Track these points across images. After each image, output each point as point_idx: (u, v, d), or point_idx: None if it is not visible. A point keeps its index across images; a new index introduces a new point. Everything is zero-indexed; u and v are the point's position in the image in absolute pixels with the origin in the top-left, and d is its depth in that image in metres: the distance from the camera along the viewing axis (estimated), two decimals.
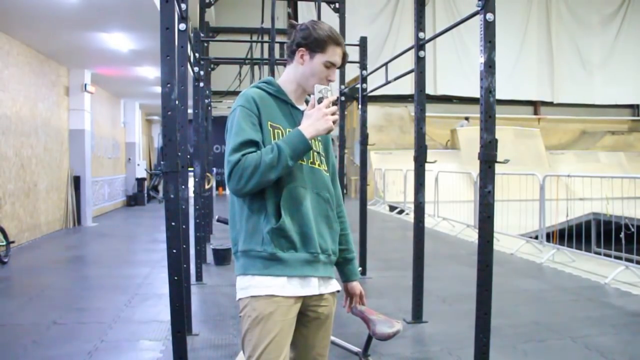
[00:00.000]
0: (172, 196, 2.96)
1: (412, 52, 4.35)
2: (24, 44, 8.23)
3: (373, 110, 16.79)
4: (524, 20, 20.74)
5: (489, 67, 2.84)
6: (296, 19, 17.59)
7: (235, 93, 15.91)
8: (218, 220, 5.00)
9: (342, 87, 7.06)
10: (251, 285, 1.72)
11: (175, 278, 2.93)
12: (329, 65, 1.81)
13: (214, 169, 14.32)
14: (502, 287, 5.01)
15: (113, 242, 8.77)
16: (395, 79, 5.09)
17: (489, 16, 2.84)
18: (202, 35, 7.04)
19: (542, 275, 6.00)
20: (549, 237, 7.36)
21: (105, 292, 5.25)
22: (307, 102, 1.90)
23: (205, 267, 6.06)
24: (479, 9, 2.88)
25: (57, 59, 9.40)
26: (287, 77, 1.87)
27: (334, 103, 1.76)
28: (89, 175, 10.67)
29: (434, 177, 10.21)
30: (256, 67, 11.29)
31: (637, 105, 22.43)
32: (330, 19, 9.61)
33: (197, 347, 3.67)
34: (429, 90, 16.51)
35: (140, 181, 15.44)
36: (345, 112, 17.13)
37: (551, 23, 21.09)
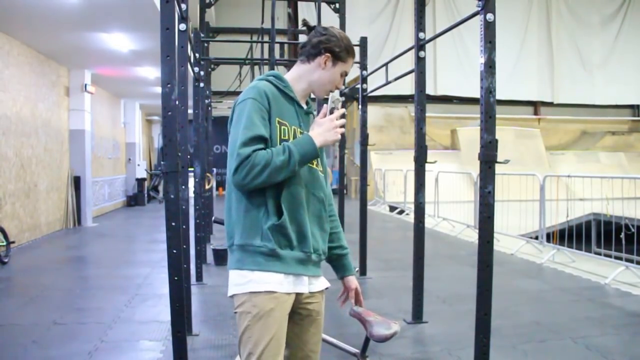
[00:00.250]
0: (172, 196, 2.96)
1: (412, 53, 4.35)
2: (24, 44, 8.23)
3: (373, 110, 16.78)
4: (524, 21, 20.73)
5: (489, 67, 2.84)
6: (296, 19, 17.59)
7: (235, 93, 15.89)
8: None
9: (343, 87, 7.06)
10: (250, 280, 1.71)
11: (176, 278, 2.93)
12: (343, 75, 1.90)
13: (214, 169, 14.32)
14: (502, 288, 5.01)
15: (113, 242, 8.77)
16: (396, 79, 5.09)
17: (489, 16, 2.84)
18: (202, 35, 7.04)
19: (542, 275, 6.00)
20: (549, 237, 7.36)
21: (106, 292, 5.26)
22: (307, 102, 1.92)
23: (206, 267, 6.06)
24: (479, 9, 2.88)
25: (57, 59, 9.41)
26: (298, 76, 1.87)
27: (342, 116, 1.83)
28: (89, 176, 10.67)
29: (434, 177, 10.21)
30: (256, 68, 11.28)
31: (638, 106, 22.41)
32: (330, 19, 9.62)
33: (197, 347, 3.67)
34: (429, 90, 16.47)
35: (140, 181, 15.44)
36: (346, 113, 17.16)
37: (551, 23, 21.08)
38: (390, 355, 3.47)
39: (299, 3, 17.15)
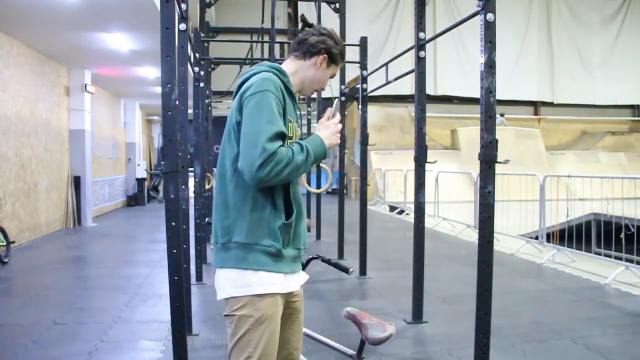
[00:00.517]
0: (172, 196, 2.96)
1: (412, 53, 4.35)
2: (24, 45, 8.24)
3: (373, 110, 16.79)
4: (524, 21, 20.73)
5: (490, 67, 2.84)
6: (296, 19, 17.59)
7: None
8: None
9: (343, 87, 7.06)
10: (254, 282, 1.67)
11: (176, 278, 2.93)
12: (332, 77, 1.94)
13: (215, 169, 14.33)
14: (502, 288, 5.01)
15: (113, 242, 8.77)
16: (396, 79, 5.09)
17: (490, 16, 2.84)
18: (202, 35, 7.04)
19: (542, 275, 6.00)
20: (549, 237, 7.36)
21: (106, 292, 5.26)
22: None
23: (206, 267, 6.06)
24: (480, 9, 2.88)
25: (57, 59, 9.41)
26: (294, 72, 1.87)
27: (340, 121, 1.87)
28: (90, 176, 10.68)
29: (435, 177, 10.21)
30: None
31: (638, 106, 22.40)
32: (330, 19, 9.63)
33: (198, 348, 3.67)
34: (430, 90, 16.51)
35: (140, 181, 15.45)
36: (346, 113, 17.15)
37: (552, 23, 21.07)
38: (391, 355, 3.47)
39: (300, 3, 17.13)
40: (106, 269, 6.47)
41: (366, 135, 5.89)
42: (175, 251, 2.93)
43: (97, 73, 10.72)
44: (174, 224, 2.94)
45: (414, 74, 4.25)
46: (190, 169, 4.23)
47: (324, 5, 7.21)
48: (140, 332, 4.02)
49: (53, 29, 7.45)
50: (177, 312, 2.94)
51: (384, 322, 1.91)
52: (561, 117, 20.97)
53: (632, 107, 22.34)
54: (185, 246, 3.58)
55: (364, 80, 5.85)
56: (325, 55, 1.85)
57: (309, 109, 10.69)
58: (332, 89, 9.31)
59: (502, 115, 18.76)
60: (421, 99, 4.19)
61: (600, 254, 6.60)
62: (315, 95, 8.15)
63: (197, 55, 6.07)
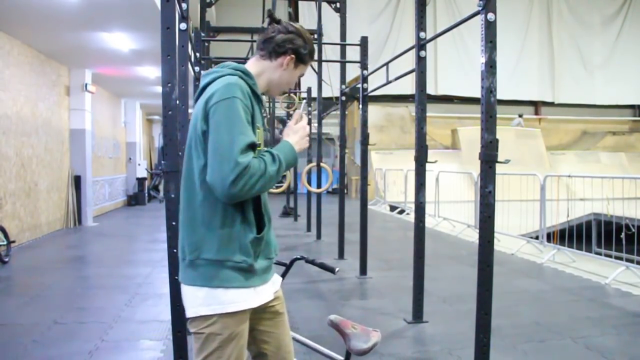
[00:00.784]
0: (172, 196, 2.96)
1: (413, 52, 4.35)
2: (24, 44, 8.23)
3: (374, 110, 16.78)
4: (525, 20, 20.73)
5: (490, 67, 2.84)
6: (297, 18, 17.57)
7: None
8: None
9: (343, 86, 7.06)
10: (225, 300, 1.59)
11: (176, 277, 2.92)
12: (300, 76, 1.84)
13: None
14: (502, 287, 5.01)
15: (114, 241, 8.77)
16: (396, 78, 5.09)
17: (490, 16, 2.83)
18: (202, 34, 7.04)
19: (542, 275, 6.00)
20: (549, 237, 7.36)
21: (106, 291, 5.26)
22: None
23: None
24: (480, 8, 2.88)
25: (57, 58, 9.41)
26: (259, 73, 1.76)
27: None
28: (90, 175, 10.68)
29: (435, 177, 10.21)
30: None
31: (638, 106, 22.40)
32: (331, 18, 9.63)
33: None
34: (430, 90, 16.52)
35: (140, 181, 15.45)
36: (346, 112, 17.15)
37: (552, 23, 21.07)
38: (391, 355, 3.47)
39: (300, 2, 17.16)
40: (106, 268, 6.47)
41: (366, 134, 5.88)
42: (175, 250, 2.93)
43: (97, 72, 10.72)
44: (174, 223, 2.94)
45: (414, 73, 4.25)
46: None
47: (324, 4, 7.21)
48: (140, 332, 4.02)
49: (53, 28, 7.45)
50: (177, 311, 2.94)
51: (368, 329, 1.84)
52: (561, 116, 20.98)
53: (632, 106, 22.34)
54: None
55: (365, 79, 5.85)
56: (292, 56, 1.75)
57: (309, 109, 10.70)
58: (333, 89, 9.34)
59: (520, 116, 18.81)
60: (421, 99, 4.19)
61: (600, 254, 6.60)
62: (315, 95, 8.15)
63: (198, 54, 6.07)
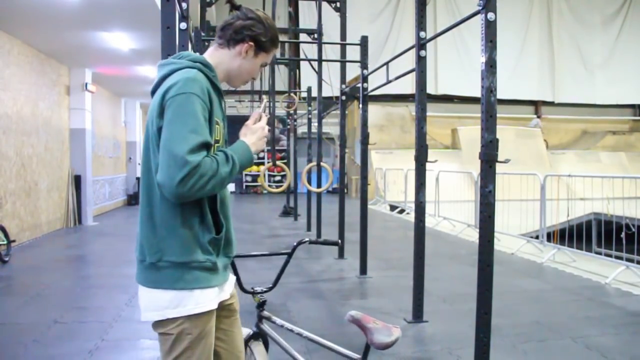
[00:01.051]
0: None
1: (413, 52, 4.35)
2: (25, 43, 8.23)
3: (374, 109, 16.77)
4: (525, 20, 20.72)
5: (490, 66, 2.84)
6: (297, 18, 17.57)
7: (236, 92, 15.92)
8: None
9: (343, 86, 7.06)
10: (191, 302, 1.56)
11: None
12: (263, 66, 1.75)
13: None
14: (502, 287, 5.01)
15: (114, 241, 8.77)
16: (396, 78, 5.09)
17: (490, 15, 2.83)
18: (203, 34, 7.03)
19: (542, 275, 6.00)
20: (549, 237, 7.36)
21: (106, 291, 5.26)
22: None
23: None
24: (480, 8, 2.87)
25: (58, 58, 9.41)
26: (217, 63, 1.69)
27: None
28: (90, 175, 10.68)
29: (435, 176, 10.21)
30: None
31: (639, 105, 22.40)
32: (331, 18, 9.63)
33: None
34: (430, 89, 16.52)
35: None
36: (346, 112, 17.14)
37: (552, 22, 21.06)
38: (391, 355, 3.47)
39: (300, 2, 17.15)
40: (106, 267, 6.47)
41: (366, 134, 5.88)
42: None
43: (97, 72, 10.72)
44: None
45: (414, 73, 4.25)
46: None
47: (324, 4, 7.20)
48: (140, 331, 4.02)
49: (53, 28, 7.45)
50: None
51: (389, 325, 1.86)
52: (562, 116, 20.98)
53: (632, 106, 22.34)
54: None
55: (365, 79, 5.85)
56: (251, 43, 1.66)
57: (310, 108, 10.70)
58: (333, 88, 9.32)
59: (538, 117, 18.82)
60: (421, 98, 4.19)
61: (600, 254, 6.60)
62: (315, 94, 8.14)
63: (198, 54, 6.07)
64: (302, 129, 15.05)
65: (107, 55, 9.11)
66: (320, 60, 6.81)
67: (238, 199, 17.33)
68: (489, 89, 2.85)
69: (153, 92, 1.62)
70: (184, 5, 3.35)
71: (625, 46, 21.51)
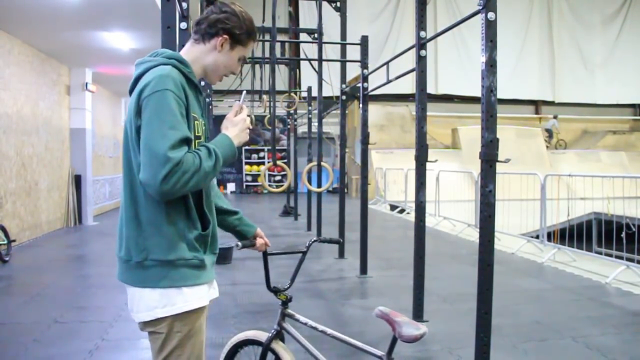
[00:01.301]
0: None
1: (413, 51, 4.35)
2: (25, 43, 8.23)
3: (374, 109, 16.78)
4: (525, 20, 20.73)
5: (491, 66, 2.84)
6: (297, 17, 17.58)
7: (236, 92, 15.92)
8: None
9: (343, 86, 7.06)
10: (179, 300, 1.56)
11: None
12: (241, 59, 1.73)
13: None
14: (503, 287, 5.01)
15: (114, 241, 8.68)
16: (397, 78, 5.08)
17: (491, 15, 2.83)
18: None
19: (543, 274, 6.00)
20: (550, 236, 7.36)
21: (106, 290, 5.26)
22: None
23: None
24: (481, 8, 2.87)
25: (58, 57, 9.41)
26: (193, 59, 1.67)
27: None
28: (90, 174, 10.68)
29: (435, 176, 10.21)
30: (257, 66, 11.29)
31: (639, 105, 22.40)
32: (331, 18, 9.63)
33: None
34: (430, 89, 16.50)
35: None
36: (347, 111, 17.15)
37: (552, 22, 21.07)
38: None
39: (300, 2, 17.16)
40: (107, 267, 6.47)
41: (367, 134, 5.88)
42: None
43: (97, 71, 10.72)
44: None
45: (414, 72, 4.25)
46: None
47: (324, 4, 7.19)
48: (140, 331, 4.01)
49: (53, 28, 7.45)
50: None
51: (415, 321, 1.93)
52: (562, 115, 20.98)
53: (633, 105, 22.35)
54: None
55: (365, 78, 5.85)
56: (225, 36, 1.63)
57: (310, 108, 10.70)
58: (333, 88, 9.32)
59: (555, 117, 18.83)
60: (422, 98, 4.19)
61: (600, 253, 6.60)
62: (315, 94, 8.14)
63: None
64: (302, 129, 15.05)
65: (108, 55, 9.11)
66: (320, 60, 6.81)
67: (238, 199, 17.34)
68: (489, 88, 2.85)
69: (130, 92, 1.61)
70: (184, 5, 3.35)
71: (626, 46, 21.52)
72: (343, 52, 7.54)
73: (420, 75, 4.18)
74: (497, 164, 2.91)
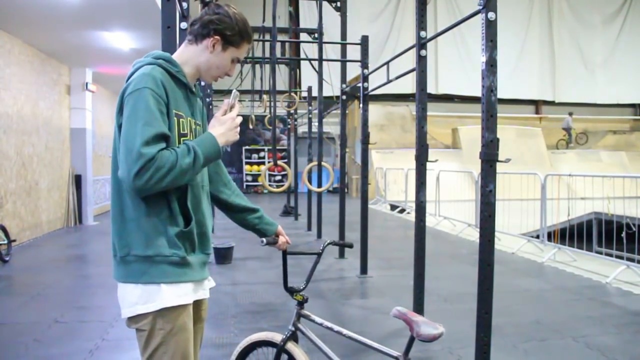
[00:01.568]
0: None
1: (413, 51, 4.35)
2: (25, 43, 8.24)
3: (374, 109, 16.78)
4: (525, 19, 20.73)
5: (491, 66, 2.84)
6: (297, 17, 17.58)
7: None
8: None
9: (344, 86, 7.06)
10: (159, 297, 1.56)
11: None
12: (235, 61, 1.74)
13: None
14: (503, 287, 5.01)
15: None
16: (397, 78, 5.08)
17: (491, 15, 2.83)
18: None
19: (543, 274, 6.00)
20: (550, 236, 7.36)
21: (107, 290, 5.26)
22: (195, 86, 1.79)
23: None
24: (481, 7, 2.87)
25: (58, 57, 9.41)
26: (186, 59, 1.69)
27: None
28: (90, 174, 10.69)
29: (435, 176, 10.21)
30: (257, 66, 11.29)
31: (639, 105, 22.39)
32: (331, 18, 9.63)
33: None
34: (431, 89, 16.48)
35: None
36: (347, 111, 17.16)
37: (553, 22, 21.07)
38: None
39: (300, 2, 17.16)
40: (107, 267, 6.45)
41: (367, 133, 5.88)
42: None
43: (98, 71, 10.73)
44: None
45: (414, 72, 4.25)
46: None
47: (324, 4, 7.19)
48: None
49: (54, 27, 7.45)
50: None
51: (432, 322, 1.93)
52: (562, 115, 20.98)
53: (633, 105, 22.35)
54: None
55: (365, 78, 5.85)
56: (217, 37, 1.65)
57: (310, 108, 10.70)
58: (334, 88, 9.32)
59: (570, 115, 18.80)
60: (422, 98, 4.19)
61: (601, 253, 6.60)
62: (316, 94, 8.15)
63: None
64: (302, 129, 15.05)
65: (108, 54, 9.11)
66: (320, 60, 6.81)
67: None
68: (490, 88, 2.85)
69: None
70: (185, 4, 3.35)
71: (626, 45, 21.52)
72: (343, 52, 7.54)
73: (420, 75, 4.17)
74: (498, 163, 2.91)
